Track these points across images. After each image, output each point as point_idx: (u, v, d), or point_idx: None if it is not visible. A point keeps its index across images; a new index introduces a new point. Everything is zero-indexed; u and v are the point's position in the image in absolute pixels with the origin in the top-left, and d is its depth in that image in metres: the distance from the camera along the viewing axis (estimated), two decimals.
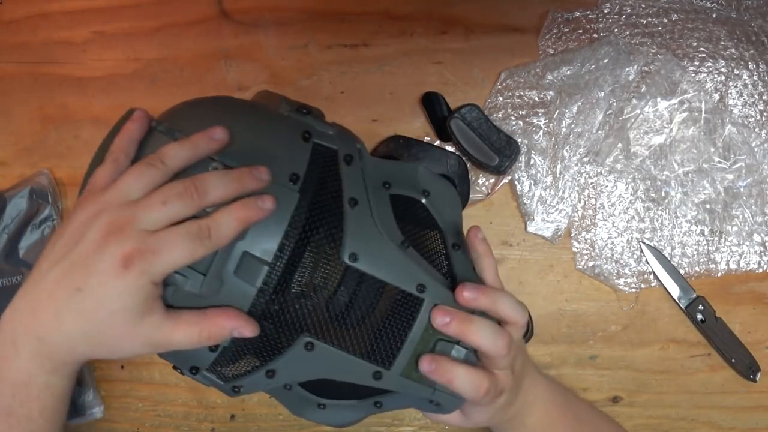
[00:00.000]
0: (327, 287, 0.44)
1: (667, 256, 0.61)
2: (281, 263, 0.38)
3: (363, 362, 0.40)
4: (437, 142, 0.62)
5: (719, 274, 0.61)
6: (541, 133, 0.62)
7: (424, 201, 0.45)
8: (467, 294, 0.40)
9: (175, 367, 0.43)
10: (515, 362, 0.45)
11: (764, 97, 0.61)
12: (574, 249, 0.62)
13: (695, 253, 0.61)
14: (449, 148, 0.62)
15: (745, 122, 0.61)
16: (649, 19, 0.62)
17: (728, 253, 0.61)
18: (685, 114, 0.61)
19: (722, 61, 0.62)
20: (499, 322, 0.42)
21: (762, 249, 0.61)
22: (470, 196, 0.62)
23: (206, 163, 0.37)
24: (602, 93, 0.61)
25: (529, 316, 0.60)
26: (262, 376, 0.40)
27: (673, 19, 0.62)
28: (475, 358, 0.42)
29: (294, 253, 0.38)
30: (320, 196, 0.40)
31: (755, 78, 0.62)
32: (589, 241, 0.62)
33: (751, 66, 0.62)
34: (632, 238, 0.62)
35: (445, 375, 0.40)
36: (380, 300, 0.43)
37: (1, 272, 0.61)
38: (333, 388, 0.45)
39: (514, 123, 0.62)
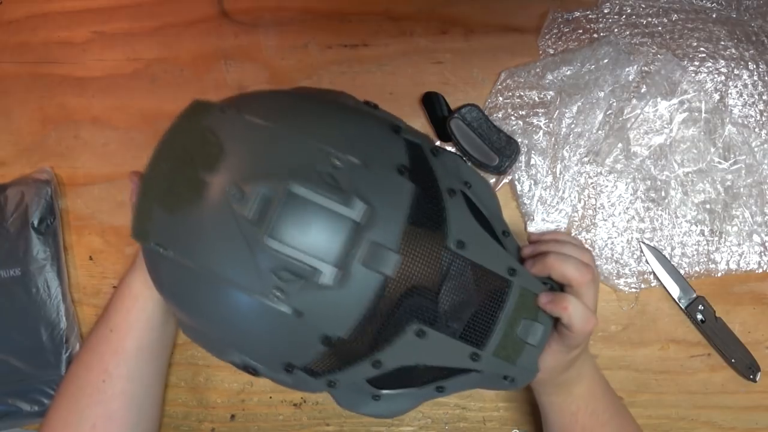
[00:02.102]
0: (435, 273, 0.44)
1: (667, 256, 0.61)
2: (404, 251, 0.38)
3: (463, 344, 0.41)
4: (438, 143, 0.62)
5: (719, 274, 0.61)
6: (541, 133, 0.62)
7: (468, 192, 0.45)
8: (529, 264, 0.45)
9: (248, 369, 0.42)
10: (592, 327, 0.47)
11: (764, 97, 0.61)
12: None
13: (695, 253, 0.61)
14: (449, 148, 0.62)
15: (745, 122, 0.61)
16: (649, 19, 0.62)
17: (728, 253, 0.61)
18: (685, 114, 0.61)
19: (722, 61, 0.62)
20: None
21: (762, 249, 0.61)
22: None
23: (324, 154, 0.38)
24: (602, 93, 0.61)
25: None
26: (368, 367, 0.40)
27: (673, 19, 0.62)
28: (548, 336, 0.44)
29: (410, 241, 0.39)
30: (423, 187, 0.41)
31: (755, 78, 0.62)
32: (589, 241, 0.62)
33: (751, 66, 0.62)
34: (632, 238, 0.62)
35: (563, 301, 0.42)
36: (478, 284, 0.44)
37: (1, 264, 0.61)
38: (394, 381, 0.45)
39: (514, 123, 0.62)
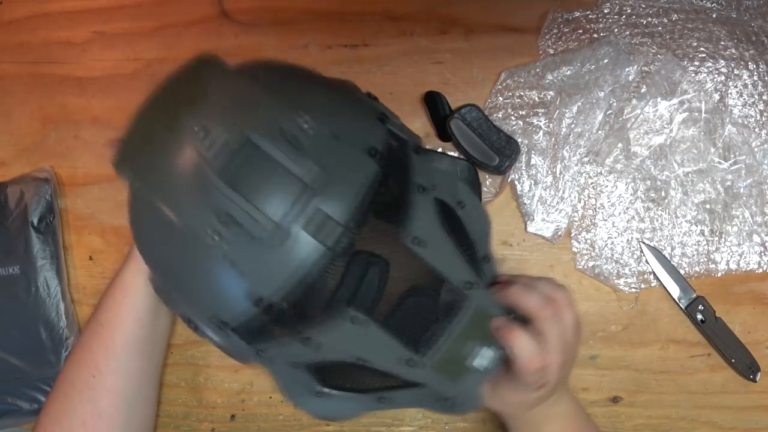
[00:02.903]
0: (382, 266, 0.44)
1: (667, 256, 0.61)
2: (350, 229, 0.38)
3: (401, 347, 0.40)
4: (439, 149, 0.62)
5: (719, 274, 0.61)
6: (541, 133, 0.62)
7: (459, 212, 0.45)
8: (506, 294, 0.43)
9: (190, 323, 0.42)
10: (564, 366, 0.45)
11: (764, 97, 0.61)
12: (574, 249, 0.62)
13: (695, 253, 0.61)
14: (451, 152, 0.62)
15: (745, 122, 0.61)
16: (649, 19, 0.62)
17: (728, 253, 0.61)
18: (685, 114, 0.61)
19: (722, 61, 0.62)
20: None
21: (762, 249, 0.61)
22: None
23: (295, 117, 0.38)
24: (602, 93, 0.61)
25: None
26: (297, 343, 0.40)
27: (673, 19, 0.62)
28: (498, 366, 0.43)
29: (361, 223, 0.39)
30: (390, 175, 0.40)
31: (755, 78, 0.62)
32: (589, 241, 0.62)
33: (751, 66, 0.62)
34: (632, 238, 0.62)
35: (511, 332, 0.41)
36: (429, 289, 0.44)
37: (0, 262, 0.61)
38: (339, 378, 0.45)
39: (514, 123, 0.62)
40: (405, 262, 0.43)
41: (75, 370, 0.53)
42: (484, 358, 0.42)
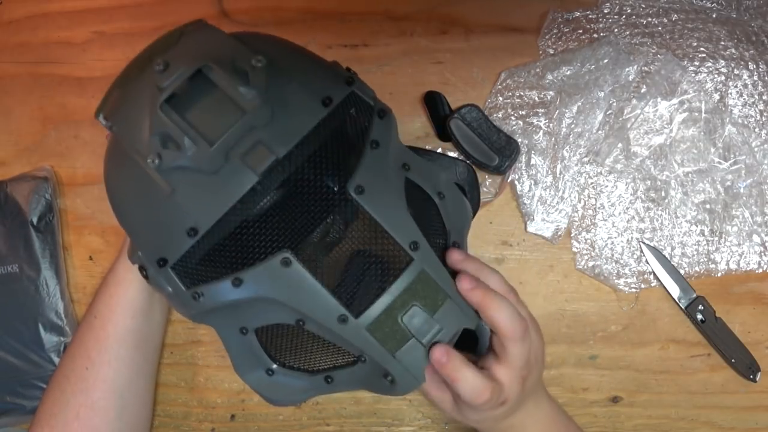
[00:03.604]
0: (322, 212, 0.43)
1: (667, 256, 0.61)
2: (289, 164, 0.38)
3: (333, 300, 0.39)
4: (439, 149, 0.62)
5: (719, 274, 0.61)
6: (541, 133, 0.62)
7: (437, 200, 0.45)
8: (464, 283, 0.40)
9: (141, 270, 0.42)
10: (529, 376, 0.44)
11: (764, 97, 0.61)
12: (574, 249, 0.62)
13: (695, 253, 0.61)
14: (451, 152, 0.62)
15: (745, 122, 0.61)
16: (649, 19, 0.62)
17: (728, 253, 0.61)
18: (685, 114, 0.61)
19: (722, 61, 0.62)
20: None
21: (762, 249, 0.61)
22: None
23: (250, 56, 0.38)
24: (602, 93, 0.61)
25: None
26: (228, 285, 0.39)
27: (673, 19, 0.62)
28: (441, 336, 0.41)
29: (303, 164, 0.39)
30: (346, 131, 0.40)
31: (755, 78, 0.62)
32: (589, 241, 0.62)
33: (751, 66, 0.62)
34: (632, 238, 0.62)
35: (453, 372, 0.39)
36: (370, 245, 0.42)
37: (1, 260, 0.61)
38: (287, 352, 0.44)
39: (514, 123, 0.62)
40: (349, 214, 0.42)
41: (69, 363, 0.53)
42: (427, 327, 0.40)
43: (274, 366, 0.45)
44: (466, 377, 0.40)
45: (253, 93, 0.37)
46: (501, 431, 0.47)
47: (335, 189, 0.41)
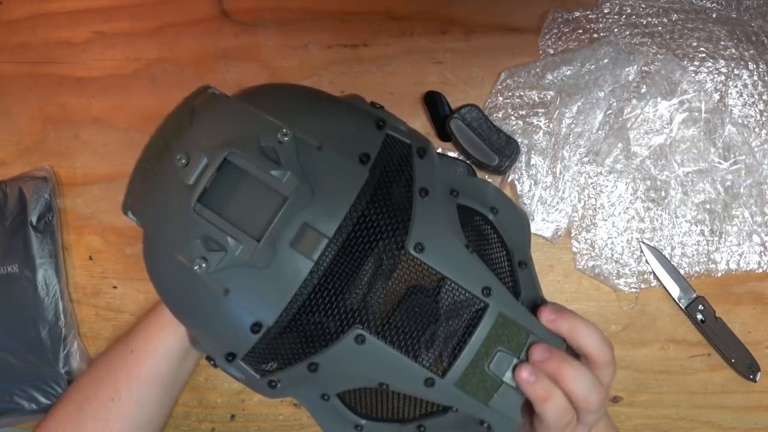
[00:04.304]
0: (386, 277, 0.41)
1: (667, 256, 0.61)
2: (341, 239, 0.35)
3: (415, 365, 0.37)
4: (439, 149, 0.62)
5: (719, 274, 0.61)
6: (541, 133, 0.62)
7: (491, 217, 0.43)
8: (547, 314, 0.39)
9: (208, 359, 0.41)
10: (599, 421, 0.42)
11: (764, 97, 0.61)
12: (574, 249, 0.62)
13: (695, 253, 0.61)
14: (451, 153, 0.62)
15: (745, 122, 0.61)
16: (649, 19, 0.62)
17: (728, 253, 0.61)
18: (685, 114, 0.61)
19: (722, 61, 0.62)
20: (578, 355, 0.40)
21: (762, 249, 0.61)
22: None
23: (274, 132, 0.36)
24: (602, 93, 0.61)
25: None
26: (304, 370, 0.37)
27: (673, 19, 0.62)
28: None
29: (355, 233, 0.37)
30: (389, 182, 0.38)
31: (755, 78, 0.62)
32: (589, 241, 0.62)
33: (751, 66, 0.62)
34: (632, 238, 0.62)
35: (540, 390, 0.37)
36: (441, 300, 0.40)
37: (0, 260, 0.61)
38: (374, 407, 0.42)
39: (514, 123, 0.62)
40: (414, 272, 0.40)
41: (95, 387, 0.53)
42: (513, 370, 0.38)
43: (363, 422, 0.42)
44: (557, 395, 0.38)
45: (288, 174, 0.35)
46: None
47: (394, 251, 0.39)
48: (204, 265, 0.35)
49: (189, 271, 0.36)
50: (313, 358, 0.37)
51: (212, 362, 0.41)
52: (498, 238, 0.43)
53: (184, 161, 0.36)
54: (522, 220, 0.46)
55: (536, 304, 0.42)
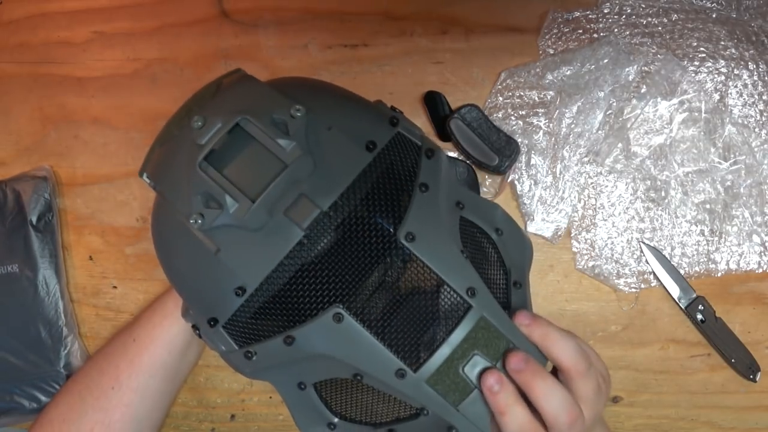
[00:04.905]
0: (372, 262, 0.42)
1: (667, 256, 0.61)
2: (335, 215, 0.37)
3: (389, 354, 0.37)
4: (438, 144, 0.62)
5: (719, 274, 0.61)
6: (541, 133, 0.62)
7: (494, 236, 0.43)
8: (522, 318, 0.38)
9: (194, 328, 0.42)
10: (591, 411, 0.40)
11: (764, 97, 0.61)
12: (574, 249, 0.62)
13: (695, 253, 0.61)
14: (452, 153, 0.62)
15: (745, 122, 0.61)
16: (649, 19, 0.62)
17: (728, 253, 0.61)
18: (685, 114, 0.61)
19: (722, 61, 0.62)
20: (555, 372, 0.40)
21: (762, 249, 0.61)
22: None
23: (288, 107, 0.38)
24: (602, 93, 0.61)
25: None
26: (280, 343, 0.38)
27: (673, 19, 0.62)
28: None
29: (349, 214, 0.38)
30: (394, 175, 0.39)
31: (755, 78, 0.62)
32: (589, 241, 0.62)
33: (751, 66, 0.62)
34: (632, 238, 0.62)
35: (500, 404, 0.37)
36: (425, 294, 0.40)
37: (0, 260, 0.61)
38: (348, 405, 0.43)
39: (514, 123, 0.62)
40: (413, 272, 0.40)
41: (96, 376, 0.53)
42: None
43: (336, 420, 0.43)
44: (517, 412, 0.37)
45: (293, 144, 0.36)
46: None
47: (385, 237, 0.39)
48: (200, 221, 0.37)
49: (185, 226, 0.38)
50: (290, 331, 0.38)
51: (197, 331, 0.42)
52: (498, 258, 0.43)
53: (200, 123, 0.38)
54: (526, 245, 0.46)
55: None
